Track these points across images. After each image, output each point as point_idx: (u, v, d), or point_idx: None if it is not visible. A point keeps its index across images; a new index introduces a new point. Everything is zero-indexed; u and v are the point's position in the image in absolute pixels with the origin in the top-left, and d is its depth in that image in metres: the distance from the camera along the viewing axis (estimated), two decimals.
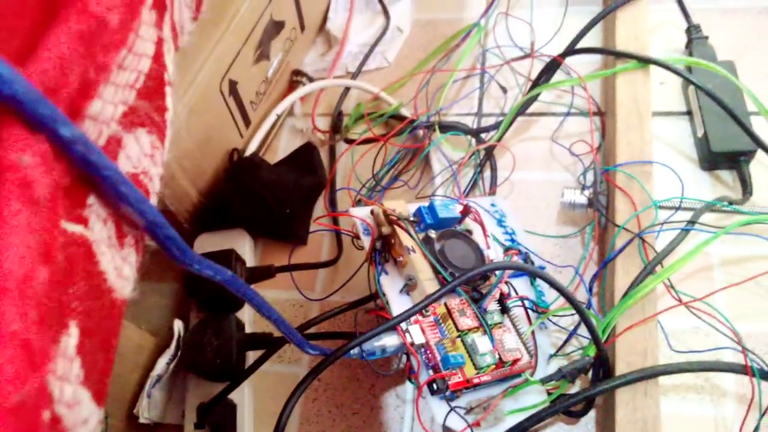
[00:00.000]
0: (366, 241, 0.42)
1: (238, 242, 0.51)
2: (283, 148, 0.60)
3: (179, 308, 0.52)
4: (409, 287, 0.41)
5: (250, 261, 0.52)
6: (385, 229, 0.42)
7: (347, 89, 0.62)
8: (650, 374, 0.35)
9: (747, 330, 0.43)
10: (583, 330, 0.43)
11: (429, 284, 0.40)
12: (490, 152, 0.55)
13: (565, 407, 0.36)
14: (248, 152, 0.55)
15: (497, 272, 0.41)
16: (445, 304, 0.40)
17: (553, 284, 0.37)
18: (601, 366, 0.38)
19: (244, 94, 0.54)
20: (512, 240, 0.48)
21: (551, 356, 0.44)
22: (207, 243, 0.51)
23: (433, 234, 0.42)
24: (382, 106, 0.60)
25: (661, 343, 0.41)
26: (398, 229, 0.41)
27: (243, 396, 0.46)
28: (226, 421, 0.44)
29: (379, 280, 0.41)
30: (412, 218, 0.43)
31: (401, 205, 0.44)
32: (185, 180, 0.50)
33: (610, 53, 0.53)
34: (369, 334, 0.35)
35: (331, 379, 0.49)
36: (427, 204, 0.44)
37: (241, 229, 0.53)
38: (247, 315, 0.49)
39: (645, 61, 0.50)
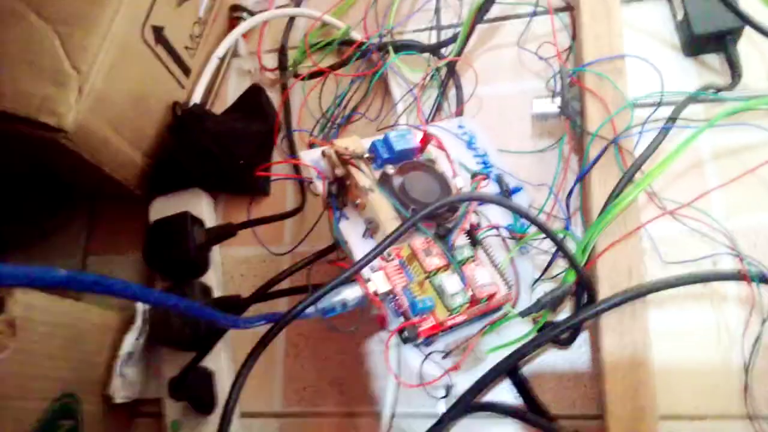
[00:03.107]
0: (320, 187, 0.39)
1: (194, 203, 0.48)
2: (232, 93, 0.56)
3: (143, 280, 0.50)
4: (370, 230, 0.38)
5: (211, 220, 0.49)
6: (339, 171, 0.38)
7: (292, 19, 0.56)
8: (635, 294, 0.32)
9: (748, 225, 0.39)
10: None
11: (391, 225, 0.37)
12: (452, 68, 0.50)
13: (547, 339, 0.33)
14: (192, 103, 0.51)
15: (462, 209, 0.38)
16: (410, 245, 0.37)
17: (517, 211, 0.34)
18: (584, 291, 0.35)
19: (174, 40, 0.49)
20: (484, 162, 0.44)
21: (535, 281, 0.41)
22: (163, 207, 0.48)
23: (391, 169, 0.38)
24: (332, 33, 0.55)
25: (653, 254, 0.38)
26: (352, 169, 0.38)
27: (219, 361, 0.44)
28: (202, 390, 0.42)
29: (337, 227, 0.38)
30: (366, 155, 0.39)
31: (355, 141, 0.40)
32: (125, 144, 0.46)
33: None
34: (322, 290, 0.32)
35: (311, 332, 0.47)
36: (381, 137, 0.40)
37: (197, 188, 0.49)
38: (213, 279, 0.47)
39: None
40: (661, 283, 0.32)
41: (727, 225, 0.39)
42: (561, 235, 0.42)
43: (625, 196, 0.35)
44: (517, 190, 0.44)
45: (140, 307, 0.44)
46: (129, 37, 0.44)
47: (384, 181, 0.38)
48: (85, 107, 0.41)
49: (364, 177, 0.38)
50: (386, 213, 0.37)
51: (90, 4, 0.41)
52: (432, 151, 0.41)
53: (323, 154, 0.39)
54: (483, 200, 0.37)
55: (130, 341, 0.44)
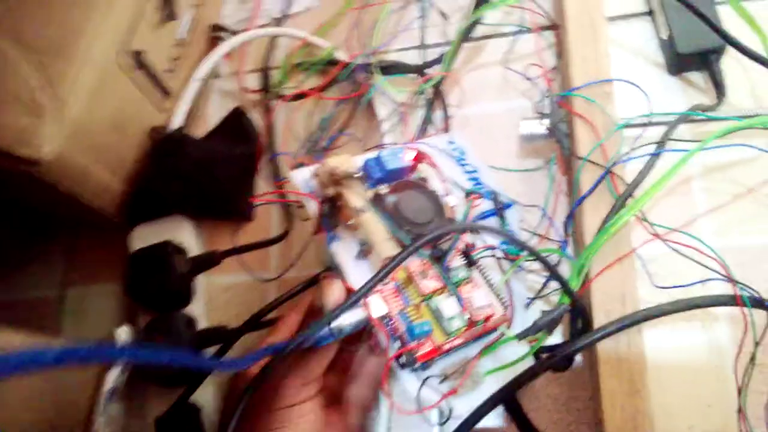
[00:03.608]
0: (311, 208, 0.38)
1: (176, 230, 0.47)
2: (214, 115, 0.55)
3: (125, 310, 0.48)
4: (364, 251, 0.37)
5: (194, 248, 0.48)
6: (331, 191, 0.37)
7: (274, 39, 0.55)
8: (631, 322, 0.32)
9: (736, 243, 0.40)
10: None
11: (385, 246, 0.36)
12: (438, 88, 0.49)
13: (545, 369, 0.33)
14: (173, 127, 0.50)
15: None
16: (405, 267, 0.36)
17: (514, 241, 0.33)
18: (578, 317, 0.35)
19: (154, 63, 0.48)
20: (475, 180, 0.44)
21: (530, 301, 0.41)
22: (144, 235, 0.47)
23: (383, 189, 0.38)
24: (316, 53, 0.54)
25: (644, 277, 0.38)
26: (345, 189, 0.37)
27: (208, 395, 0.43)
28: (190, 428, 0.41)
29: (330, 250, 0.37)
30: (358, 174, 0.38)
31: (346, 160, 0.39)
32: (104, 172, 0.45)
33: None
34: (324, 320, 0.31)
35: None
36: (374, 156, 0.39)
37: (178, 215, 0.48)
38: (197, 309, 0.46)
39: None
40: (656, 310, 0.32)
41: (715, 245, 0.39)
42: (555, 259, 0.42)
43: (616, 221, 0.35)
44: (508, 205, 0.43)
45: (122, 336, 0.43)
46: (108, 63, 0.43)
47: (377, 200, 0.37)
48: (62, 138, 0.39)
49: (357, 197, 0.37)
50: (380, 234, 0.36)
51: (67, 31, 0.40)
52: (423, 169, 0.41)
53: (314, 174, 0.38)
54: (485, 231, 0.37)
55: (114, 376, 0.42)
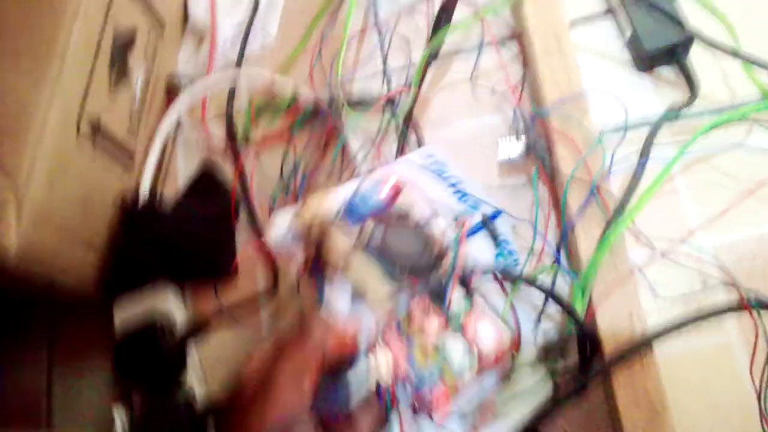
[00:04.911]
0: (294, 262, 0.37)
1: (161, 299, 0.45)
2: (182, 168, 0.52)
3: (117, 386, 0.46)
4: (358, 293, 0.36)
5: (181, 314, 0.46)
6: (313, 237, 0.36)
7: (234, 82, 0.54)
8: (642, 343, 0.31)
9: (730, 243, 0.39)
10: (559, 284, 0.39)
11: (379, 286, 0.35)
12: (409, 113, 0.48)
13: (565, 402, 0.32)
14: (141, 187, 0.48)
15: (451, 259, 0.36)
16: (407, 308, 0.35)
17: (509, 274, 0.32)
18: (588, 340, 0.34)
19: (113, 127, 0.46)
20: (460, 192, 0.42)
21: (537, 321, 0.39)
22: (128, 309, 0.44)
23: (368, 226, 0.37)
24: (280, 92, 0.52)
25: (645, 289, 0.37)
26: (327, 234, 0.36)
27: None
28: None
29: (321, 296, 0.36)
30: (339, 214, 0.37)
31: (322, 202, 0.38)
32: (76, 249, 0.43)
33: None
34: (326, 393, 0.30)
35: None
36: (353, 193, 0.38)
37: (160, 282, 0.46)
38: (193, 377, 0.44)
39: None
40: (666, 327, 0.31)
41: (709, 244, 0.39)
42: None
43: (611, 236, 0.34)
44: (496, 215, 0.42)
45: (120, 424, 0.41)
46: (65, 137, 0.41)
47: (362, 239, 0.36)
48: (26, 225, 0.37)
49: (341, 240, 0.36)
50: (371, 274, 0.35)
51: (17, 113, 0.38)
52: (406, 195, 0.39)
53: (291, 225, 0.37)
54: (479, 273, 0.36)
55: None
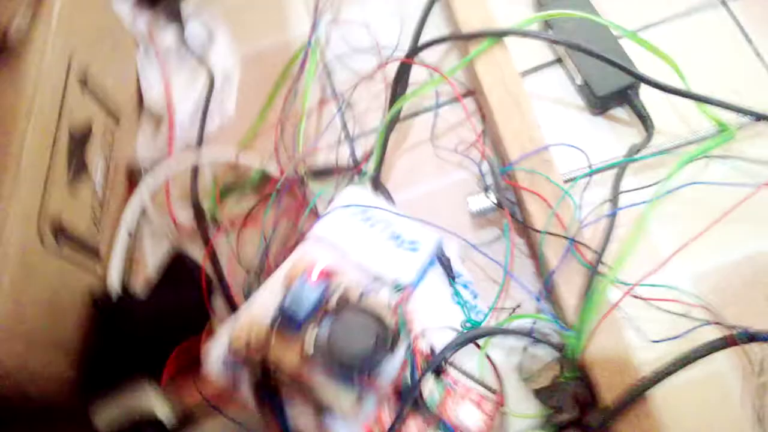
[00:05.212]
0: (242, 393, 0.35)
1: (143, 399, 0.43)
2: (150, 257, 0.51)
3: None
4: (322, 410, 0.33)
5: (164, 410, 0.43)
6: (256, 358, 0.33)
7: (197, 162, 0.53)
8: (641, 390, 0.31)
9: (706, 268, 0.40)
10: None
11: (342, 398, 0.32)
12: (376, 181, 0.48)
13: None
14: (109, 281, 0.46)
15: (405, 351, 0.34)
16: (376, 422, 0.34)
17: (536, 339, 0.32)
18: (586, 390, 0.34)
19: (75, 225, 0.44)
20: (393, 233, 0.39)
21: (524, 379, 0.39)
22: (109, 413, 0.42)
23: (313, 329, 0.33)
24: (244, 170, 0.52)
25: (632, 335, 0.37)
26: (270, 350, 0.33)
27: None
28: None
29: (285, 421, 0.34)
30: (278, 324, 0.33)
31: (252, 316, 0.35)
32: (46, 357, 0.41)
33: (458, 38, 0.47)
34: None
35: None
36: (284, 299, 0.34)
37: (137, 378, 0.44)
38: None
39: (498, 35, 0.45)
40: (662, 372, 0.31)
41: (687, 276, 0.39)
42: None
43: (596, 292, 0.34)
44: (441, 253, 0.40)
45: None
46: (25, 245, 0.39)
47: (309, 347, 0.33)
48: None
49: (287, 353, 0.33)
50: (329, 388, 0.32)
51: None
52: (339, 277, 0.36)
53: (228, 350, 0.35)
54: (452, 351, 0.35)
55: None
